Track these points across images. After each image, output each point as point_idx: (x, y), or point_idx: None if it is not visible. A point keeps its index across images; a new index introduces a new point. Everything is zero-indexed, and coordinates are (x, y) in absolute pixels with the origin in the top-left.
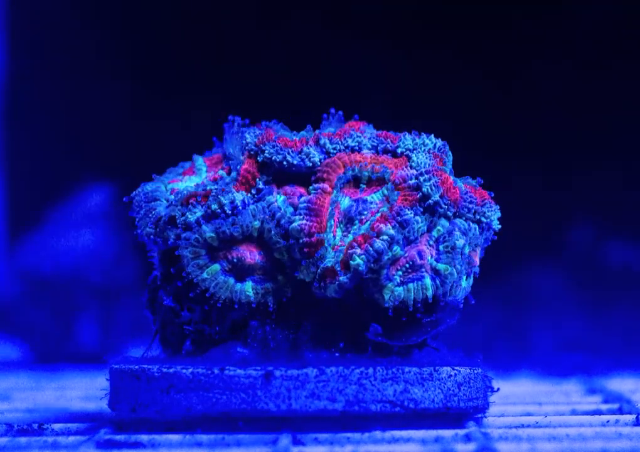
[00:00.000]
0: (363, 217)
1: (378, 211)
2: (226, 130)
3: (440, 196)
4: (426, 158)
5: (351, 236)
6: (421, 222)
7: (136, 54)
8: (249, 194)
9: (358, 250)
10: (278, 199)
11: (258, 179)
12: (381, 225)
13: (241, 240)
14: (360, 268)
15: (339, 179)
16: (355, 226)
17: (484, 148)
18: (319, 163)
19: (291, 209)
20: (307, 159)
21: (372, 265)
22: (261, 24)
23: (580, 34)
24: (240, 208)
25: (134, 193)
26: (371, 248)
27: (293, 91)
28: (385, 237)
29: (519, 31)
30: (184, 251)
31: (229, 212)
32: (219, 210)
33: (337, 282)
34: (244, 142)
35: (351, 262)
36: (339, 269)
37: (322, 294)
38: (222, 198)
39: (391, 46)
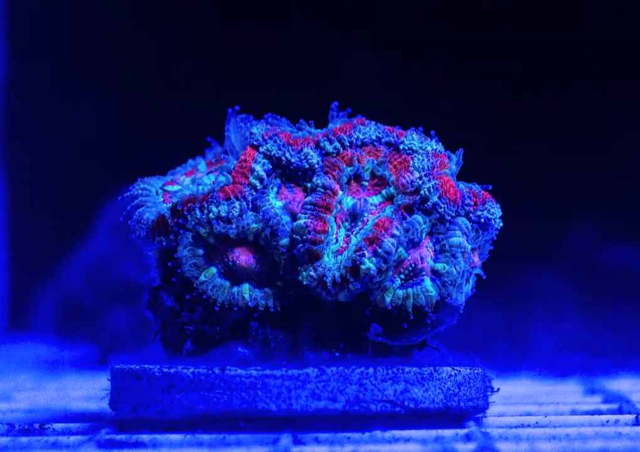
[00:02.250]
0: (365, 218)
1: (377, 214)
2: (229, 119)
3: (439, 197)
4: (427, 161)
5: (354, 238)
6: (424, 224)
7: (138, 57)
8: (248, 190)
9: (367, 253)
10: (275, 205)
11: (254, 164)
12: (386, 224)
13: (236, 242)
14: (372, 271)
15: (344, 177)
16: (357, 228)
17: (484, 150)
18: (316, 166)
19: (287, 218)
20: (304, 160)
21: (382, 265)
22: (262, 24)
23: (583, 35)
24: (242, 218)
25: (125, 194)
26: (380, 249)
27: (292, 92)
28: (392, 238)
29: (523, 33)
30: (182, 251)
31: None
32: (224, 216)
33: (346, 290)
34: (248, 133)
35: (362, 266)
36: (348, 275)
37: (333, 299)
38: (220, 208)
39: (391, 47)
